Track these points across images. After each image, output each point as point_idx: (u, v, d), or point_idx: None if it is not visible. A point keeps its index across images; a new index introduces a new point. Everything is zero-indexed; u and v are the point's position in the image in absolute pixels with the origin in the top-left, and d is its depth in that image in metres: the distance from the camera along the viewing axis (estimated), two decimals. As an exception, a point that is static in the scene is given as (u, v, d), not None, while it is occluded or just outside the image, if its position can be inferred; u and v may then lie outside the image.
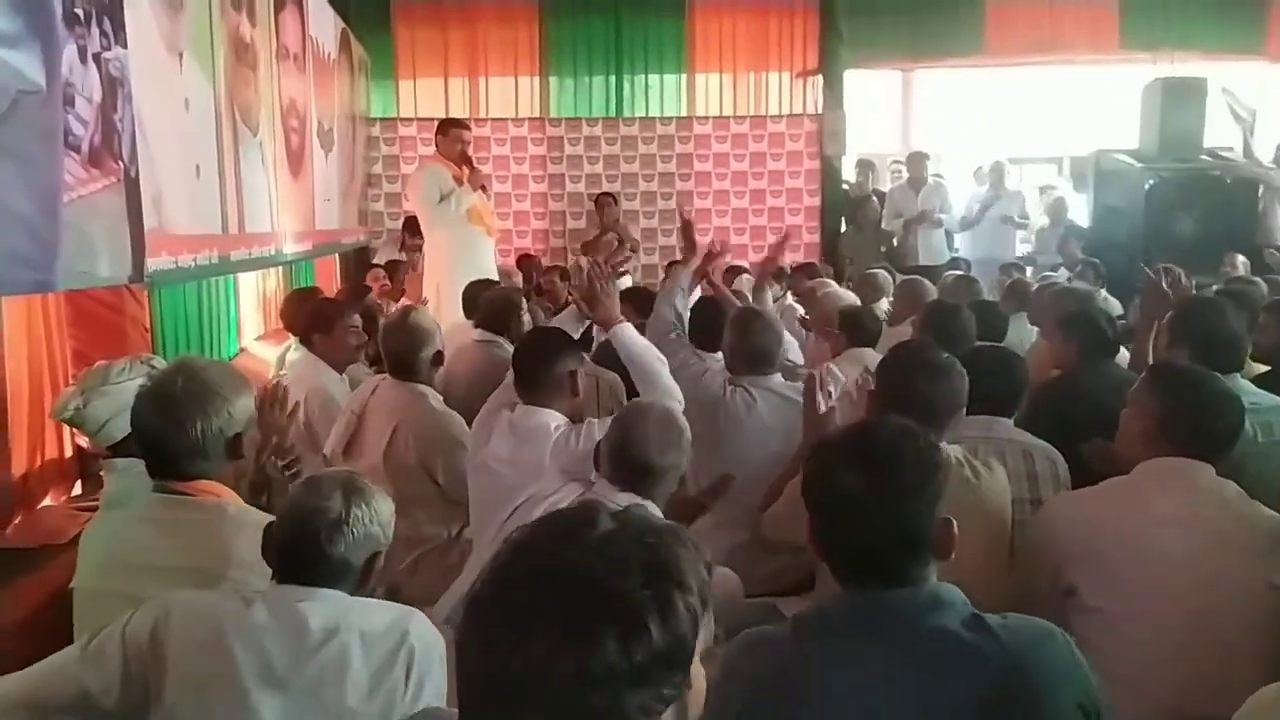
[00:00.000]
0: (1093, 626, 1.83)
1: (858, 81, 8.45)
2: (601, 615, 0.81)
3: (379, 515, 1.53)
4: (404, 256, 6.42)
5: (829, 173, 7.87)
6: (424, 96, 7.74)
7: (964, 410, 2.17)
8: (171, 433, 1.71)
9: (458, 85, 7.79)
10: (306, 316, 3.41)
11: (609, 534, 0.86)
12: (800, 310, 5.19)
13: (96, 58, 2.52)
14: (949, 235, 7.76)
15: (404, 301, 4.98)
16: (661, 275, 6.72)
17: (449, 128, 5.13)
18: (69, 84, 2.35)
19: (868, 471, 1.33)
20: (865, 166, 8.25)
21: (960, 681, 1.21)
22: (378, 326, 3.58)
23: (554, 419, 2.54)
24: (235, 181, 3.89)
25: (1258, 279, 5.07)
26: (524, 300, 4.13)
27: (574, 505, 0.92)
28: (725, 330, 3.11)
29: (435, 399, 2.97)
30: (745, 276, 5.35)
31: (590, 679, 0.79)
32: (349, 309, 3.49)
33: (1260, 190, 6.85)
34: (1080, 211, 8.04)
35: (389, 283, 5.80)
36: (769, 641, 1.34)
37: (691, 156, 7.80)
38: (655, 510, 1.92)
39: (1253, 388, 2.74)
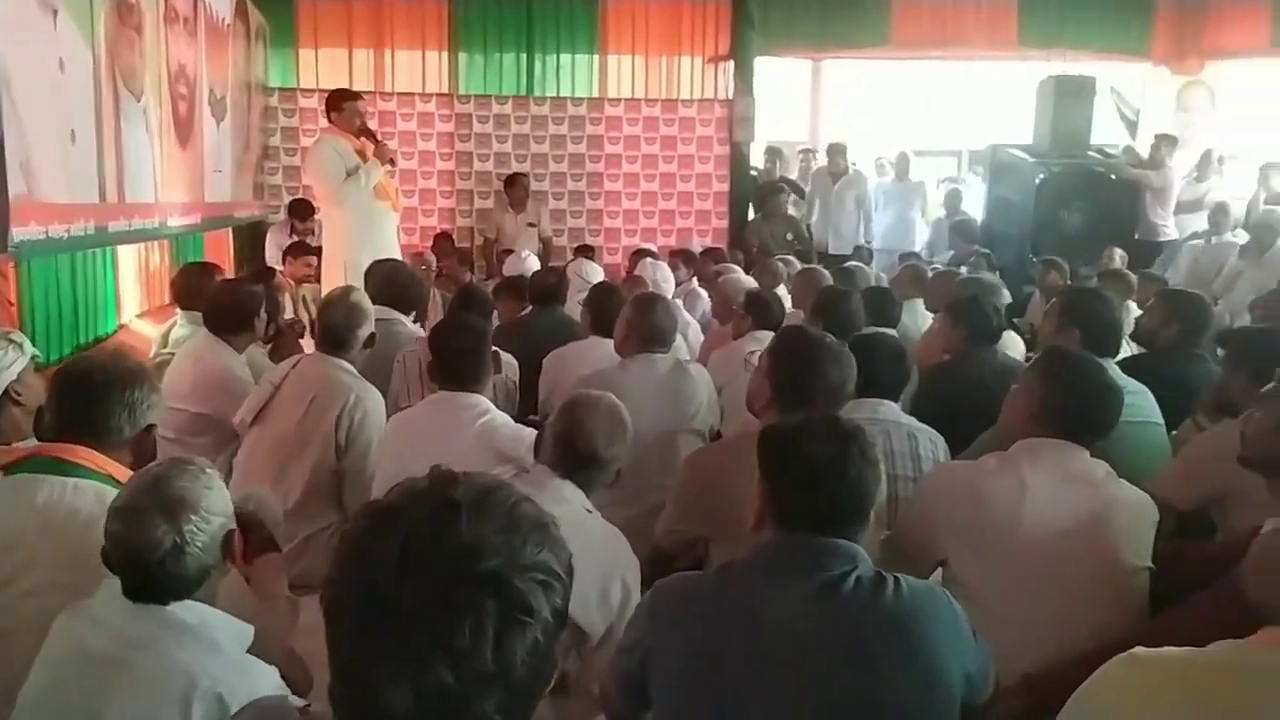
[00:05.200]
0: (961, 599, 1.90)
1: (768, 69, 8.55)
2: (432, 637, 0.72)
3: (212, 509, 1.44)
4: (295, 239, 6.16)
5: (738, 159, 7.94)
6: (327, 67, 7.48)
7: (850, 393, 2.22)
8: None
9: (362, 57, 7.55)
10: (227, 310, 3.25)
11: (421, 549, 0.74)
12: (706, 295, 5.25)
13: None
14: (864, 225, 7.94)
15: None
16: (570, 257, 6.72)
17: (342, 101, 4.86)
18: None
19: (839, 442, 1.43)
20: (774, 154, 8.37)
21: (865, 628, 1.33)
22: (280, 310, 3.48)
23: (483, 403, 2.55)
24: (115, 149, 3.69)
25: (1129, 272, 5.37)
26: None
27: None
28: (624, 309, 3.11)
29: (357, 377, 2.94)
30: (649, 260, 5.36)
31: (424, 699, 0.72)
32: (259, 300, 3.36)
33: (1141, 188, 7.20)
34: (979, 203, 8.33)
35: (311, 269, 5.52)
36: (696, 580, 1.45)
37: (602, 138, 7.76)
38: (583, 500, 1.92)
39: (1119, 371, 2.89)
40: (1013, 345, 3.97)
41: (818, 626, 1.31)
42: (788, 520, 1.40)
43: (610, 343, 3.28)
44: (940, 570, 2.01)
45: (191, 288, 3.75)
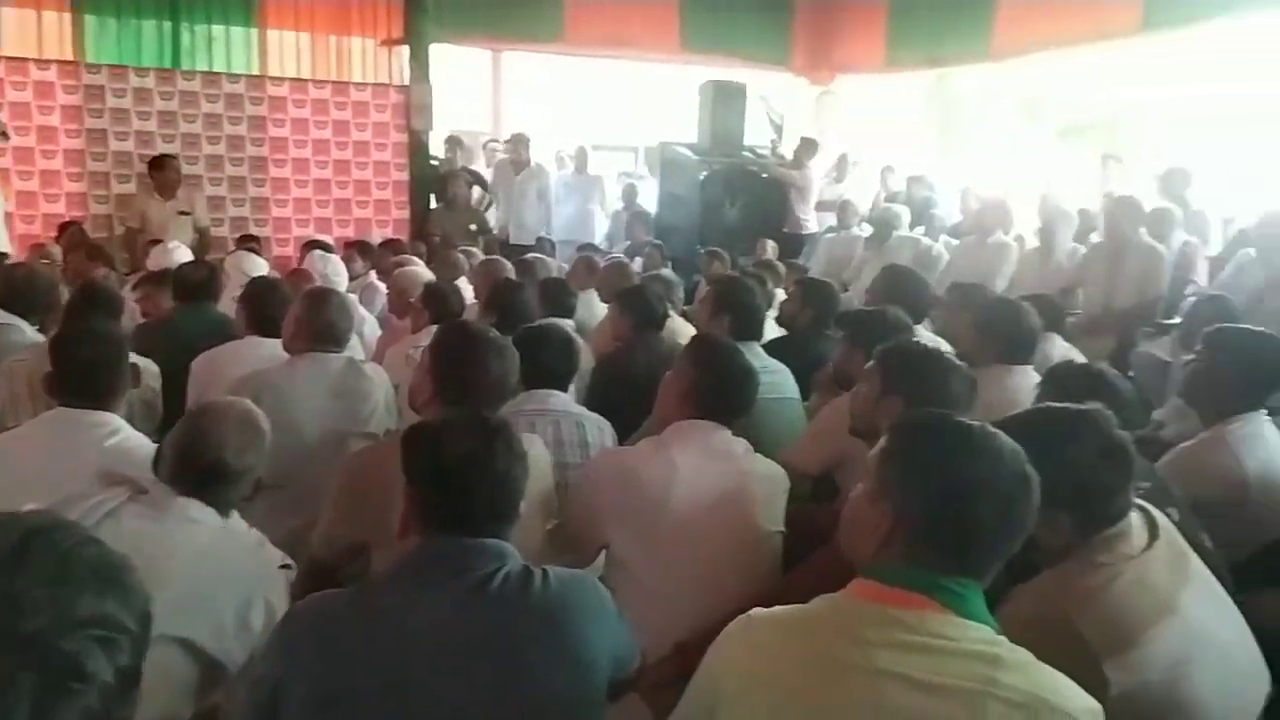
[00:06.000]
0: (623, 580, 2.00)
1: (447, 56, 8.40)
2: None
3: None
4: None
5: (418, 147, 7.72)
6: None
7: (513, 386, 2.23)
8: None
9: (-42, 12, 6.38)
10: None
11: None
12: (384, 288, 5.06)
13: None
14: (546, 218, 8.05)
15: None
16: (231, 248, 6.16)
17: None
18: None
19: (483, 439, 1.41)
20: (454, 143, 8.25)
21: (514, 624, 1.33)
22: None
23: (114, 422, 2.25)
24: None
25: (778, 262, 5.96)
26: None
27: None
28: (294, 304, 2.91)
29: None
30: (318, 252, 5.06)
31: None
32: None
33: (788, 186, 8.02)
34: (654, 197, 8.81)
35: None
36: (331, 600, 1.36)
37: (266, 120, 7.19)
38: (214, 518, 1.74)
39: (763, 353, 3.20)
40: (684, 332, 4.24)
41: (464, 629, 1.30)
42: (433, 523, 1.37)
43: (270, 343, 3.06)
44: (604, 554, 2.10)
45: None
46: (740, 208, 7.85)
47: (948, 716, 1.08)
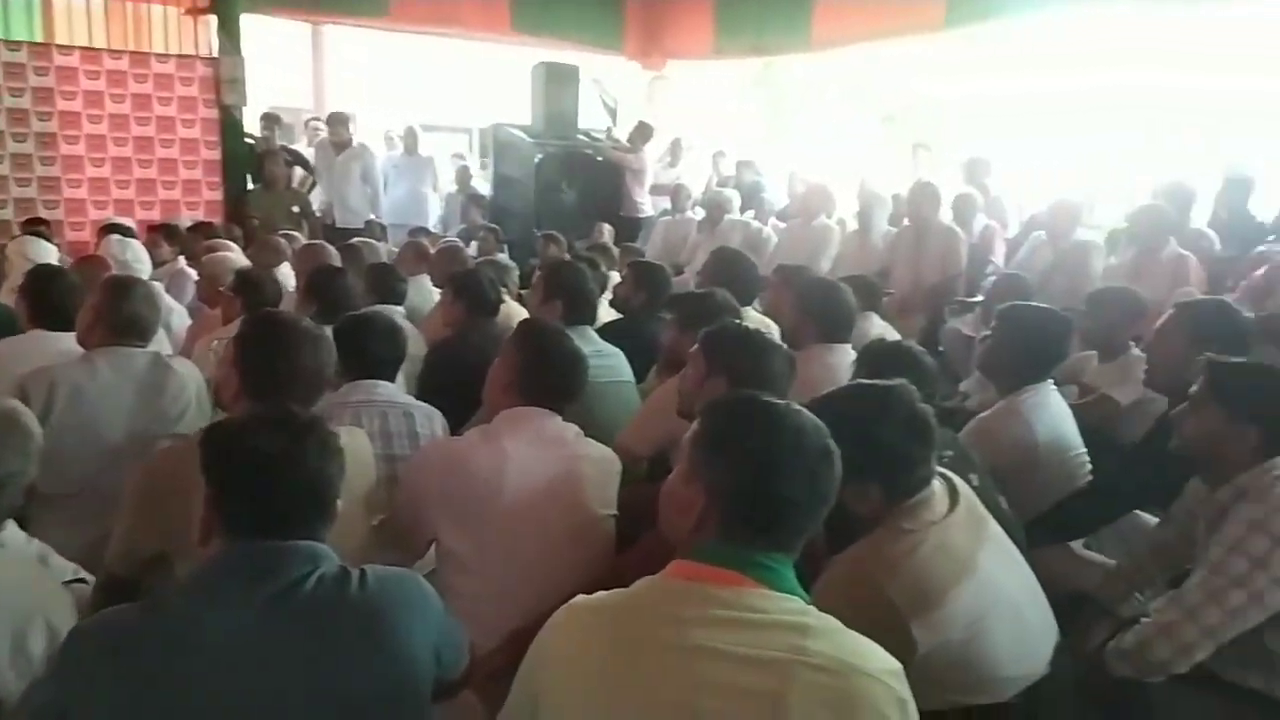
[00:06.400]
0: (454, 572, 1.96)
1: (261, 28, 7.90)
2: None
3: None
4: None
5: (229, 124, 7.23)
6: None
7: (329, 378, 2.12)
8: None
9: None
10: None
11: None
12: (195, 275, 4.72)
13: None
14: (373, 200, 7.73)
15: None
16: (16, 232, 5.58)
17: None
18: None
19: (292, 435, 1.34)
20: (271, 120, 7.78)
21: (330, 626, 1.26)
22: None
23: None
24: None
25: (614, 246, 6.00)
26: None
27: None
28: (93, 294, 2.66)
29: None
30: (115, 237, 4.66)
31: None
32: None
33: (623, 170, 8.06)
34: (486, 180, 8.65)
35: None
36: (118, 619, 1.26)
37: (53, 92, 6.53)
38: None
39: (597, 337, 3.20)
40: (520, 317, 4.18)
41: (272, 638, 1.23)
42: (237, 528, 1.29)
43: (61, 337, 2.80)
44: (434, 547, 2.04)
45: None
46: (577, 191, 7.84)
47: (759, 686, 1.12)
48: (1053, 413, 2.63)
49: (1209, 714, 1.83)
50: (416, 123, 8.76)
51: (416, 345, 3.51)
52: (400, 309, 3.81)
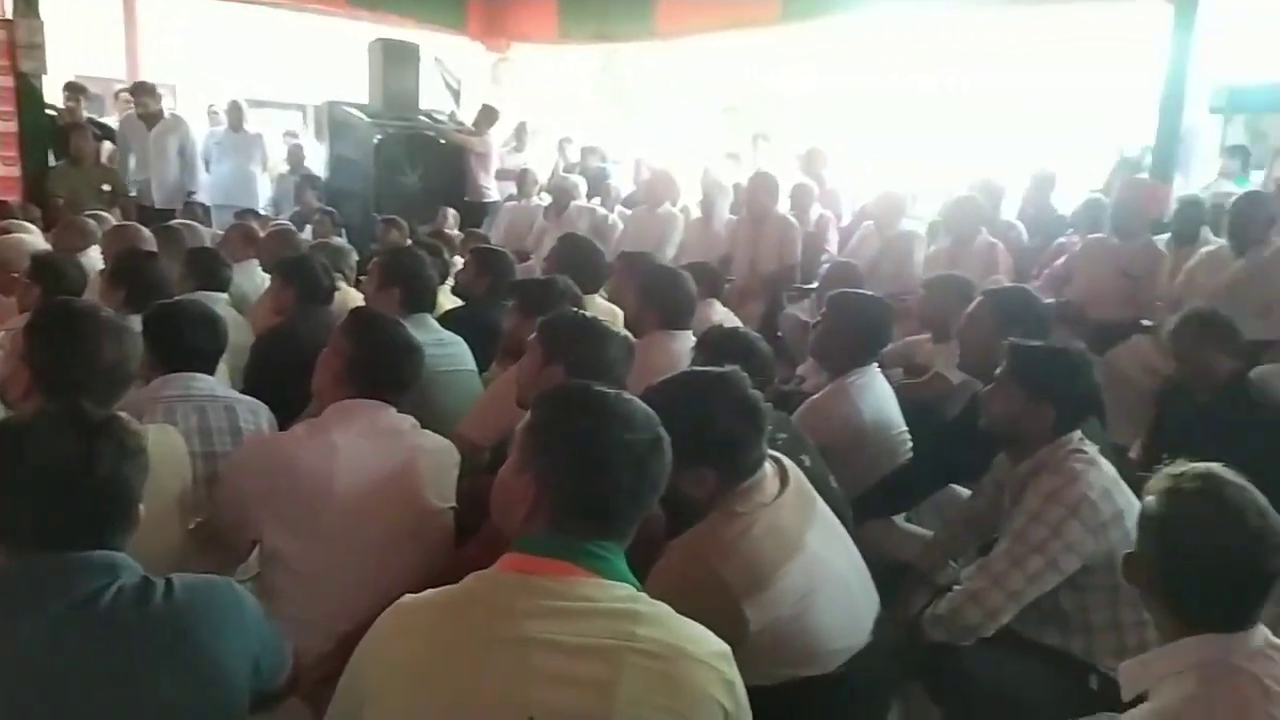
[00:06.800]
0: (280, 573, 1.86)
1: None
2: None
3: None
4: None
5: (28, 93, 6.58)
6: None
7: (133, 372, 1.97)
8: None
9: None
10: None
11: None
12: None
13: None
14: (190, 176, 7.23)
15: None
16: None
17: None
18: None
19: (83, 437, 1.24)
20: (76, 90, 7.12)
21: (131, 642, 1.19)
22: None
23: None
24: None
25: (458, 231, 5.87)
26: None
27: None
28: None
29: None
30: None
31: None
32: None
33: (467, 153, 7.89)
34: (321, 160, 8.25)
35: None
36: None
37: None
38: None
39: (437, 325, 3.12)
40: (356, 304, 4.02)
41: (66, 655, 1.13)
42: (24, 538, 1.17)
43: None
44: (257, 549, 1.93)
45: None
46: (419, 175, 7.61)
47: (590, 674, 1.12)
48: (877, 394, 2.77)
49: (1013, 669, 1.98)
50: (243, 97, 8.24)
51: (244, 335, 3.32)
52: (224, 296, 3.59)
